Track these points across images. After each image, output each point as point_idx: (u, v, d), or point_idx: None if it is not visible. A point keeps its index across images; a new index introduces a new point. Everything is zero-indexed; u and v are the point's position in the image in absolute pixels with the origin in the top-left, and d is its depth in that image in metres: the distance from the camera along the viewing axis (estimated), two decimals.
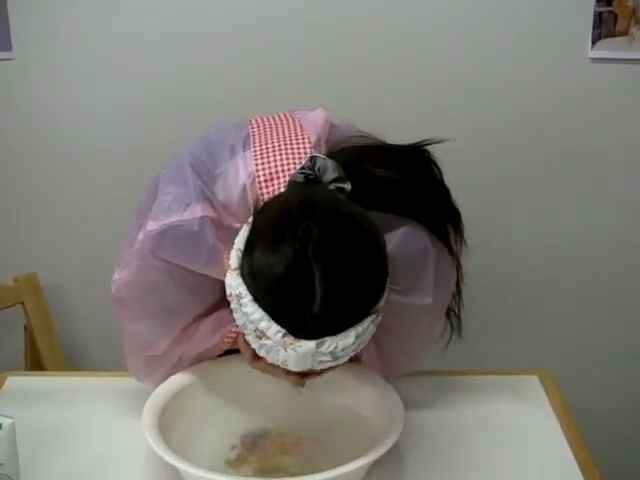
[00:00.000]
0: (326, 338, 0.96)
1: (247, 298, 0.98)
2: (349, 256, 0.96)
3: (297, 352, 0.96)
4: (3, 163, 1.86)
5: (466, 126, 1.79)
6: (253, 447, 1.18)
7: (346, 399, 1.20)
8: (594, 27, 1.71)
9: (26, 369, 1.80)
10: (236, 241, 1.03)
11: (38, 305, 1.80)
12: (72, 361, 1.88)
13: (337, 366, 1.02)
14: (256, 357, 1.07)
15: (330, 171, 1.06)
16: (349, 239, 0.97)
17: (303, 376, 1.06)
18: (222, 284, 1.06)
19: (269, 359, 1.00)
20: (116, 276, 1.20)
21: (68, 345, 1.89)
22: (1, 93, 1.81)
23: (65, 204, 1.88)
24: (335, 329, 0.96)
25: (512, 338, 1.91)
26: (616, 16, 1.70)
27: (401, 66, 1.76)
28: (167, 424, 1.13)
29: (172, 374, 1.23)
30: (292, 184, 1.08)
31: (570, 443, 1.21)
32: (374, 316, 0.99)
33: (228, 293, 1.01)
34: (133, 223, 1.20)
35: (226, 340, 1.20)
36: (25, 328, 1.80)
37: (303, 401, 1.22)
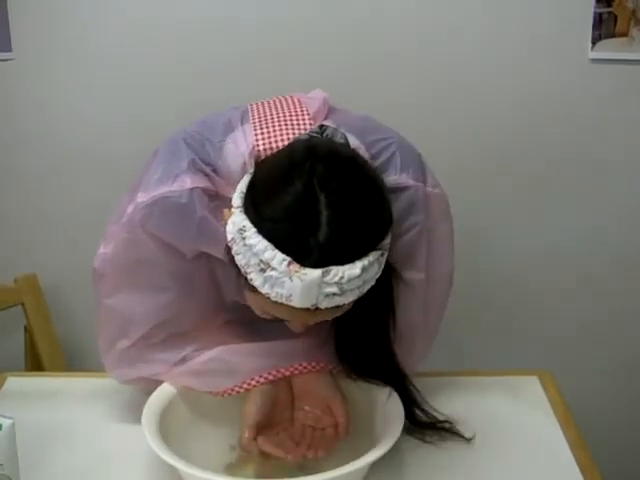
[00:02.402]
0: (332, 267, 0.96)
1: (251, 231, 0.98)
2: (353, 189, 0.99)
3: (303, 281, 0.95)
4: (3, 164, 1.86)
5: (465, 127, 1.79)
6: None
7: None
8: (594, 28, 1.71)
9: (26, 370, 1.79)
10: (238, 186, 1.05)
11: (38, 306, 1.80)
12: (72, 362, 1.88)
13: (342, 307, 1.01)
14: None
15: (337, 137, 1.08)
16: (353, 174, 1.00)
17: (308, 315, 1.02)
18: (213, 289, 1.07)
19: (272, 295, 0.98)
20: (101, 250, 1.19)
21: (68, 346, 1.89)
22: (1, 93, 1.81)
23: (65, 205, 1.88)
24: (341, 259, 0.96)
25: (512, 338, 1.91)
26: (616, 17, 1.70)
27: (399, 66, 1.76)
28: (167, 425, 1.13)
29: (139, 368, 1.21)
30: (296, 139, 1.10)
31: (570, 444, 1.21)
32: (379, 253, 1.00)
33: (230, 238, 1.01)
34: (124, 198, 1.19)
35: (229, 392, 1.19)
36: (25, 329, 1.80)
37: None
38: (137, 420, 1.12)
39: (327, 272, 0.95)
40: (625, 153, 1.82)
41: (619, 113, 1.78)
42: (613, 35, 1.71)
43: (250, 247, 0.97)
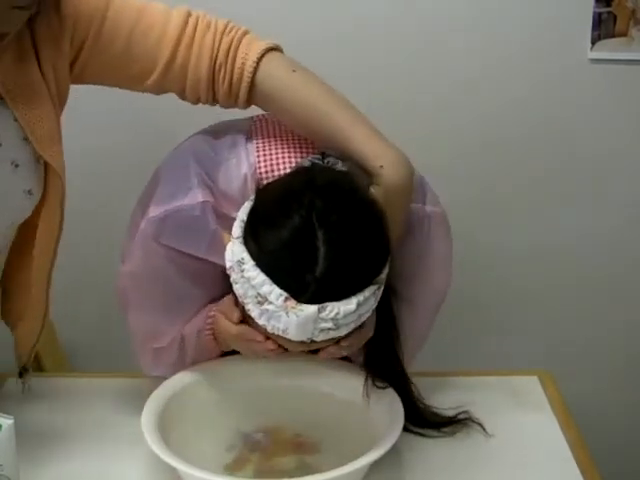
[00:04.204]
0: (327, 303, 0.97)
1: (250, 263, 0.99)
2: (351, 224, 0.99)
3: (298, 317, 0.96)
4: None
5: (464, 127, 1.79)
6: (253, 447, 1.18)
7: (346, 399, 1.20)
8: (593, 28, 1.71)
9: None
10: (239, 214, 1.05)
11: None
12: (72, 362, 1.87)
13: (337, 339, 1.02)
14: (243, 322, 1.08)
15: (339, 165, 1.08)
16: (352, 208, 1.00)
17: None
18: (226, 276, 1.06)
19: (269, 328, 1.00)
20: (121, 268, 1.20)
21: (68, 346, 1.88)
22: None
23: (65, 205, 1.87)
24: (337, 295, 0.97)
25: (512, 338, 1.91)
26: (615, 17, 1.70)
27: (399, 67, 1.76)
28: (167, 425, 1.13)
29: (178, 366, 1.23)
30: (298, 167, 1.10)
31: (570, 444, 1.21)
32: (375, 287, 1.01)
33: (229, 266, 1.02)
34: (136, 212, 1.19)
35: (208, 321, 1.18)
36: None
37: (303, 401, 1.23)
38: (137, 421, 1.12)
39: (323, 308, 0.97)
40: (625, 153, 1.82)
41: (618, 113, 1.78)
42: (612, 35, 1.71)
43: (248, 279, 0.99)
